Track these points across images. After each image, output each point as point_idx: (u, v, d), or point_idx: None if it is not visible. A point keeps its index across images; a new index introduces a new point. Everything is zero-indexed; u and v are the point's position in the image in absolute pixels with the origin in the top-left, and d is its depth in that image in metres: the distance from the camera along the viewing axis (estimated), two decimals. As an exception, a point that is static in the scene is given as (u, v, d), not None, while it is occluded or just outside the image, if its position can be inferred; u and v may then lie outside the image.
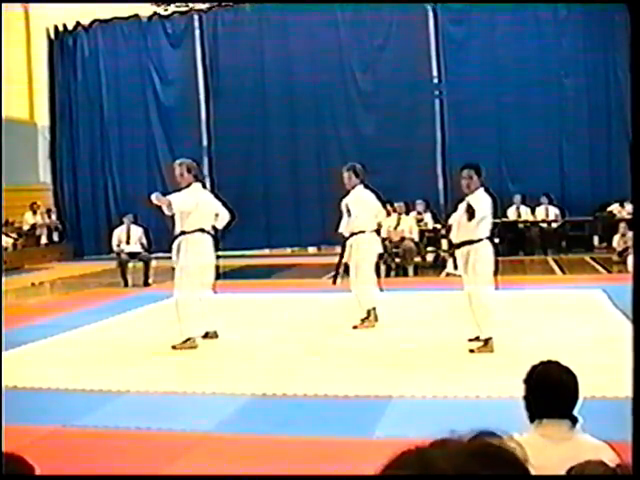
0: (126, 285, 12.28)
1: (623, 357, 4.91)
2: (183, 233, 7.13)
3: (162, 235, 12.00)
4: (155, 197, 6.91)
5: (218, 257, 7.55)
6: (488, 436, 1.02)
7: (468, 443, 1.00)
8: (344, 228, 7.89)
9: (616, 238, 13.10)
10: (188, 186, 7.17)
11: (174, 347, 7.12)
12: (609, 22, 15.04)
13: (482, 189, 6.60)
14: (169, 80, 17.94)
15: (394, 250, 13.75)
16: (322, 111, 16.85)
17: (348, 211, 7.78)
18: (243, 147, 17.10)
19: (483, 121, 15.72)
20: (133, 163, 17.71)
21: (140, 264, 12.46)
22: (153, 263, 12.40)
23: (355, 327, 7.85)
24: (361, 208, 7.83)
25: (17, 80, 18.36)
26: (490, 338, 6.58)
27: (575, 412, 2.51)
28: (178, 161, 7.35)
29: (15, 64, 18.15)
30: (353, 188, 7.86)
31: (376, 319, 7.76)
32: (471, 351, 6.55)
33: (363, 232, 7.80)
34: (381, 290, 8.06)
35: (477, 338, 6.65)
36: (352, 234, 7.80)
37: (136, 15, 17.95)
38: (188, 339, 7.19)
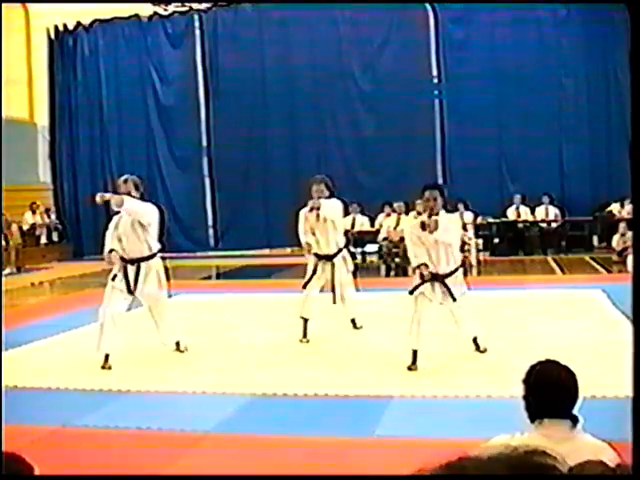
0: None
1: (623, 357, 4.92)
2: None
3: (161, 234, 12.01)
4: (100, 197, 6.67)
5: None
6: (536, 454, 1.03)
7: (507, 456, 1.01)
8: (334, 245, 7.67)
9: (615, 238, 13.11)
10: None
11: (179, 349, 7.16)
12: (609, 22, 15.03)
13: (444, 211, 6.30)
14: (169, 80, 17.95)
15: (394, 250, 13.77)
16: (322, 111, 16.85)
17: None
18: (243, 147, 17.10)
19: (483, 121, 15.71)
20: (133, 163, 17.66)
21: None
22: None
23: (356, 327, 7.89)
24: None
25: (17, 80, 18.34)
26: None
27: (575, 412, 2.51)
28: (123, 178, 6.90)
29: (15, 64, 18.14)
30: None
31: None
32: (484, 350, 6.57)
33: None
34: (357, 290, 8.06)
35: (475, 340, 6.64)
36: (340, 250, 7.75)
37: (136, 15, 17.96)
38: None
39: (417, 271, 6.30)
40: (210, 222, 17.90)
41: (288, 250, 16.67)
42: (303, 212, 7.67)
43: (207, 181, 17.89)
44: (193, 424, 5.00)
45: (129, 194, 6.76)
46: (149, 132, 17.93)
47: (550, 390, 2.52)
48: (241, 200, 17.22)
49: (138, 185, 6.89)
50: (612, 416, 3.72)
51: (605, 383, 5.17)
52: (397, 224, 13.96)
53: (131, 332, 7.45)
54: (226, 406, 5.43)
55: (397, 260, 13.63)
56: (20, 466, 1.59)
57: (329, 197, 7.57)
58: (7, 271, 14.70)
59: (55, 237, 18.16)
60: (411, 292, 6.27)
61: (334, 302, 7.66)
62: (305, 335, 7.53)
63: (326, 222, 7.50)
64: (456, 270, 6.37)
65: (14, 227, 15.79)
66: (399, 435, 4.58)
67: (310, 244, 7.59)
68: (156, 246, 6.94)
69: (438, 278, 6.24)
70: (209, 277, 14.70)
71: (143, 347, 7.32)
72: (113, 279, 6.81)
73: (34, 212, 17.41)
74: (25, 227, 17.13)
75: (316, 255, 7.60)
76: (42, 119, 18.87)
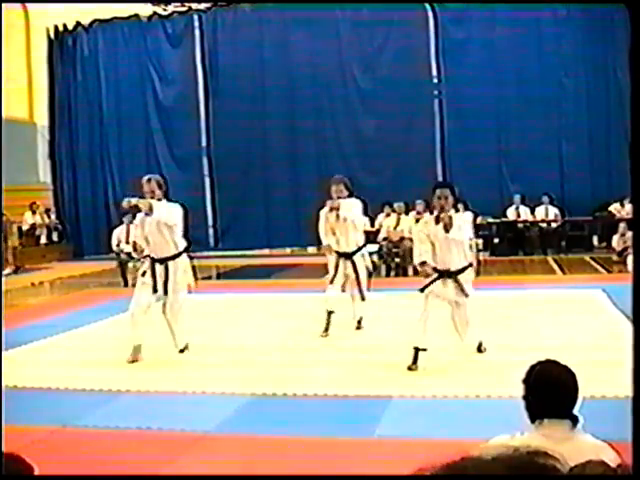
0: (126, 285, 12.27)
1: (623, 357, 4.91)
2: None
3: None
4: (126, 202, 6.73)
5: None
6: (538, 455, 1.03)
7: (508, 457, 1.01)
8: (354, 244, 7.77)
9: (615, 238, 13.10)
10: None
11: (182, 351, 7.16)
12: (609, 22, 15.04)
13: (453, 210, 6.36)
14: (169, 80, 17.95)
15: (394, 250, 13.76)
16: (322, 111, 16.85)
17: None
18: (243, 147, 17.10)
19: (483, 121, 15.71)
20: (133, 163, 17.68)
21: (140, 264, 12.44)
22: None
23: (359, 327, 7.89)
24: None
25: (17, 80, 18.34)
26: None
27: (575, 412, 2.51)
28: (146, 177, 6.94)
29: (15, 64, 18.14)
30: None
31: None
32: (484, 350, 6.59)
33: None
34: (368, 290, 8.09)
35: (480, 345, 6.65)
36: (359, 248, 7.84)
37: (136, 15, 17.96)
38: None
39: (419, 269, 6.32)
40: (210, 222, 17.90)
41: (288, 250, 16.69)
42: (323, 212, 7.82)
43: (207, 181, 17.88)
44: (193, 424, 4.99)
45: (152, 193, 6.82)
46: (149, 132, 17.93)
47: (550, 390, 2.52)
48: (241, 200, 17.21)
49: (161, 184, 6.95)
50: (612, 416, 3.72)
51: (605, 383, 5.17)
52: (397, 224, 13.93)
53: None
54: (226, 406, 5.43)
55: (397, 260, 13.62)
56: (20, 466, 1.59)
57: (348, 197, 7.68)
58: (7, 271, 14.70)
59: (55, 237, 18.16)
60: (422, 290, 6.26)
61: (362, 299, 7.75)
62: (327, 329, 7.63)
63: (346, 222, 7.62)
64: (467, 267, 6.38)
65: (14, 227, 15.83)
66: (399, 435, 4.58)
67: (331, 245, 7.74)
68: (182, 244, 7.02)
69: (447, 274, 6.25)
70: (209, 277, 14.68)
71: (143, 347, 7.30)
72: (143, 275, 6.97)
73: (34, 212, 17.41)
74: (25, 227, 17.13)
75: (336, 253, 7.75)
76: (42, 119, 18.88)
